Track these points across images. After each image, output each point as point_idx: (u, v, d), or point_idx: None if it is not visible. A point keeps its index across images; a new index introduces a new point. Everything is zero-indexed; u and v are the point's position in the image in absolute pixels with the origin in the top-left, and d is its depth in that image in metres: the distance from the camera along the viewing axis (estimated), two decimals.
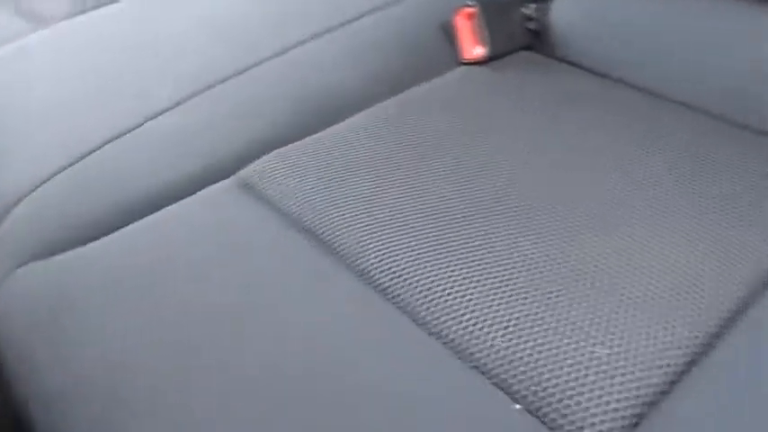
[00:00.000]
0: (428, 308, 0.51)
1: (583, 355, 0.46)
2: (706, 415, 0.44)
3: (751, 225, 0.56)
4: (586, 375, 0.45)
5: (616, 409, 0.43)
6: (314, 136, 0.69)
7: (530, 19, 0.85)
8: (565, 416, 0.44)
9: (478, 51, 0.80)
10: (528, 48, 0.85)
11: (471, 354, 0.48)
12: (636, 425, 0.43)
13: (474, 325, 0.49)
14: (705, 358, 0.47)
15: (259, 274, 0.55)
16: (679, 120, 0.70)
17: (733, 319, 0.49)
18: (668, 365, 0.46)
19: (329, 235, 0.57)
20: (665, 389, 0.45)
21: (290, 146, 0.68)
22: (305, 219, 0.59)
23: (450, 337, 0.49)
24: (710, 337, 0.48)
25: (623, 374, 0.45)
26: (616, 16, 0.80)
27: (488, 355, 0.47)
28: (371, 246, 0.56)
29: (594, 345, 0.47)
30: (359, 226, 0.57)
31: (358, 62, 0.80)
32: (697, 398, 0.44)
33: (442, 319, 0.50)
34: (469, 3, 0.81)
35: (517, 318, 0.49)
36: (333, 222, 0.58)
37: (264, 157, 0.67)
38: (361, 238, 0.56)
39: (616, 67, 0.79)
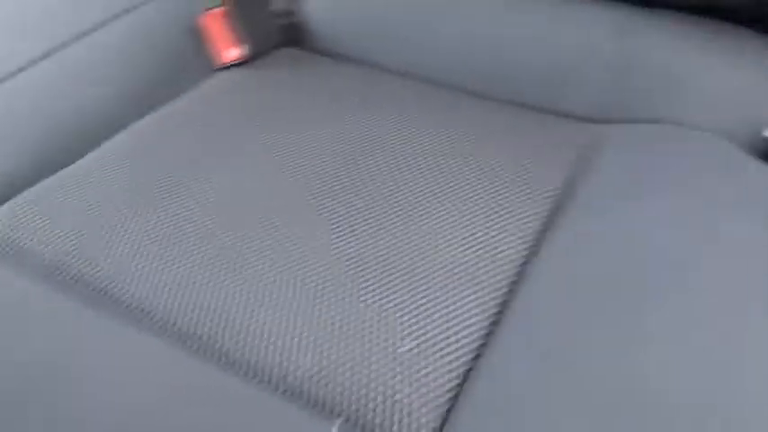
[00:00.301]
0: (228, 339, 0.47)
1: (389, 355, 0.45)
2: (509, 390, 0.44)
3: (527, 199, 0.58)
4: (395, 376, 0.44)
5: (429, 402, 0.43)
6: (65, 170, 0.61)
7: (285, 13, 0.82)
8: (381, 421, 0.43)
9: (235, 53, 0.76)
10: (288, 43, 0.82)
11: (278, 379, 0.45)
12: (449, 410, 0.43)
13: (274, 348, 0.46)
14: (499, 329, 0.48)
15: (26, 342, 0.48)
16: (445, 100, 0.71)
17: (515, 288, 0.51)
18: (469, 345, 0.46)
19: (99, 282, 0.51)
20: (469, 368, 0.45)
21: (37, 186, 0.59)
22: (67, 269, 0.52)
23: (250, 364, 0.46)
24: (499, 308, 0.49)
25: (430, 366, 0.45)
26: (369, 3, 0.80)
27: (297, 376, 0.45)
28: (144, 283, 0.51)
29: (402, 339, 0.46)
30: (128, 265, 0.52)
31: (103, 78, 0.72)
32: (500, 371, 0.45)
33: (236, 348, 0.47)
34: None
35: (317, 330, 0.47)
36: (99, 267, 0.52)
37: (7, 204, 0.58)
38: (135, 279, 0.51)
39: (378, 54, 0.79)
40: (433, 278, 0.51)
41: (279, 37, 0.82)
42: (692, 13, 0.68)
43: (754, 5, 0.66)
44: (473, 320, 0.48)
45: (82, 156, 0.64)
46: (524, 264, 0.52)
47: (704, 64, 0.65)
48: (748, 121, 0.60)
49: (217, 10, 0.76)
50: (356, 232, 0.54)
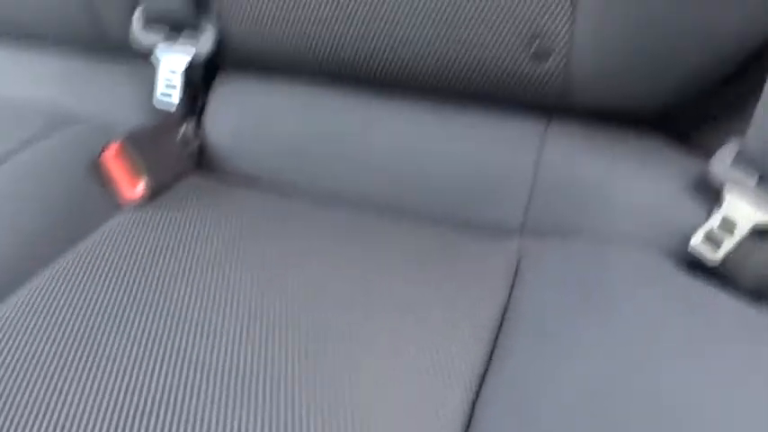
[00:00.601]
0: None
1: None
2: None
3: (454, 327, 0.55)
4: None
5: None
6: None
7: (189, 140, 0.78)
8: None
9: (139, 189, 0.71)
10: (195, 170, 0.79)
11: None
12: None
13: None
14: None
15: None
16: (360, 225, 0.69)
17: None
18: None
19: None
20: None
21: None
22: None
23: None
24: None
25: None
26: (272, 125, 0.77)
27: None
28: None
29: None
30: None
31: None
32: None
33: None
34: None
35: None
36: None
37: None
38: None
39: (287, 173, 0.76)
40: None
41: (185, 165, 0.78)
42: (604, 118, 0.68)
43: (663, 110, 0.66)
44: None
45: None
46: (473, 406, 0.49)
47: (625, 175, 0.65)
48: (672, 232, 0.60)
49: (116, 145, 0.72)
50: (284, 392, 0.50)
